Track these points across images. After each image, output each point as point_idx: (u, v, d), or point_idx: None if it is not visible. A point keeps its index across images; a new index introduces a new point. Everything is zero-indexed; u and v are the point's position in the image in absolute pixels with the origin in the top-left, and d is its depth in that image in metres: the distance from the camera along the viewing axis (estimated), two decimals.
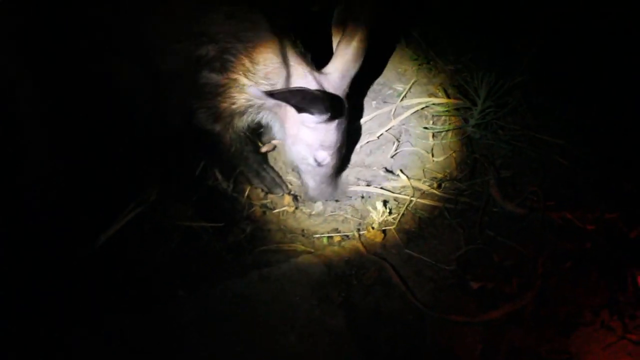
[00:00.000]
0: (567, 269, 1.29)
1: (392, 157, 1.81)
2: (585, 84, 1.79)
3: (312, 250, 1.37)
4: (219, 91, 1.41)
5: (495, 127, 1.78)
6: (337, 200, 1.70)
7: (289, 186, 1.86)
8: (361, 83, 2.01)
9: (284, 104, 1.45)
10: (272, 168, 1.91)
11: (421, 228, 1.43)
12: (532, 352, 1.09)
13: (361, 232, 1.44)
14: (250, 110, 1.54)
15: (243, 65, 1.38)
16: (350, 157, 1.89)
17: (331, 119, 1.46)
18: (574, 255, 1.26)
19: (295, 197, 1.77)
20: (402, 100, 1.96)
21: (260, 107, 1.55)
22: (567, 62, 1.85)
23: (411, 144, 1.72)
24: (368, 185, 1.61)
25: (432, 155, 1.66)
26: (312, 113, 1.42)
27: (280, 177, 1.87)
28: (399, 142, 1.75)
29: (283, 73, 1.46)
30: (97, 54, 1.53)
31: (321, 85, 1.49)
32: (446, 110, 1.89)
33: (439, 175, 1.62)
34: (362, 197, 1.59)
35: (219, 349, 1.12)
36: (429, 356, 1.11)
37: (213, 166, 1.75)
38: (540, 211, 1.36)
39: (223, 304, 1.21)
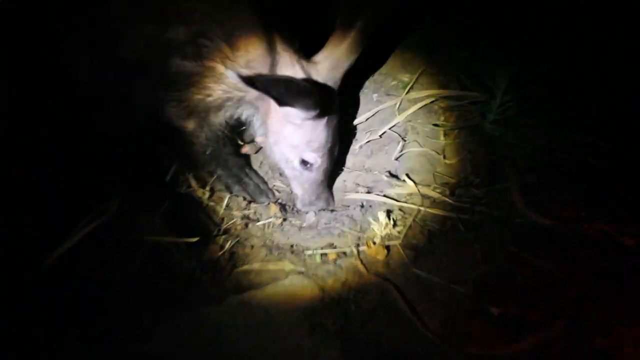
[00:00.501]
0: (604, 291, 1.25)
1: (396, 159, 1.78)
2: (622, 73, 1.77)
3: (303, 270, 1.36)
4: (192, 81, 1.40)
5: (517, 124, 1.76)
6: (332, 211, 1.70)
7: (276, 194, 1.83)
8: (360, 73, 2.00)
9: (266, 96, 1.44)
10: (256, 172, 1.90)
11: (431, 243, 1.41)
12: None
13: (361, 248, 1.43)
14: (228, 103, 1.53)
15: (221, 51, 1.36)
16: (347, 159, 1.87)
17: (320, 115, 1.44)
18: (613, 275, 1.21)
19: (283, 207, 1.74)
20: (408, 92, 1.94)
21: (240, 100, 1.53)
22: (599, 49, 1.83)
23: (419, 143, 1.71)
24: (369, 193, 1.61)
25: (444, 157, 1.65)
26: (297, 107, 1.40)
27: (265, 183, 1.86)
28: (404, 141, 1.73)
29: (267, 61, 1.43)
30: (49, 39, 1.50)
31: (309, 76, 1.47)
32: (460, 105, 1.86)
33: (452, 181, 1.60)
34: (362, 206, 1.58)
35: None
36: None
37: (186, 170, 1.74)
38: (572, 223, 1.32)
39: (196, 336, 1.17)
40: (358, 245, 1.46)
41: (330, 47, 1.49)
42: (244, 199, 1.75)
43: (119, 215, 1.50)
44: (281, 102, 1.37)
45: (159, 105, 1.48)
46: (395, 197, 1.58)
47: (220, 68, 1.38)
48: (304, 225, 1.58)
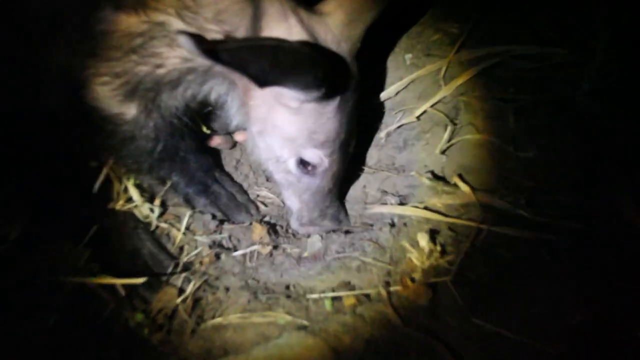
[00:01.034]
0: None
1: (443, 152, 1.71)
2: None
3: (306, 324, 1.34)
4: (133, 45, 1.40)
5: (625, 97, 1.74)
6: (347, 232, 1.62)
7: (261, 208, 1.83)
8: (386, 24, 1.98)
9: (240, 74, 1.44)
10: (230, 178, 1.90)
11: (499, 279, 1.38)
12: None
13: (392, 289, 1.40)
14: (189, 77, 1.53)
15: None
16: (367, 154, 1.85)
17: (328, 94, 1.44)
18: None
19: (272, 228, 1.73)
20: (457, 50, 1.93)
21: (207, 73, 1.54)
22: None
23: (476, 128, 1.70)
24: (402, 204, 1.59)
25: (515, 148, 1.62)
26: (291, 86, 1.39)
27: (244, 192, 1.86)
28: (454, 125, 1.72)
29: (247, 12, 1.43)
30: None
31: (313, 36, 1.46)
32: (537, 67, 1.85)
33: (528, 184, 1.61)
34: (392, 224, 1.56)
35: None
36: None
37: (124, 177, 1.74)
38: None
39: None
40: (388, 284, 1.43)
41: None
42: (213, 217, 1.74)
43: (21, 246, 1.51)
44: (265, 82, 1.34)
45: (82, 82, 1.49)
46: (443, 210, 1.56)
47: (174, 23, 1.37)
48: (305, 255, 1.58)
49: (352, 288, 1.47)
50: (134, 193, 1.66)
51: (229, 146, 1.96)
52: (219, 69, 1.53)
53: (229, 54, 1.17)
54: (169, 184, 1.69)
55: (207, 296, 1.54)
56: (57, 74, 1.55)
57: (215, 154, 1.94)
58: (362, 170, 1.77)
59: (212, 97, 1.59)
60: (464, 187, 1.66)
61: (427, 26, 2.01)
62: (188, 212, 1.66)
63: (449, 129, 1.77)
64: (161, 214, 1.66)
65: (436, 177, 1.67)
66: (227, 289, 1.55)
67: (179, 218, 1.67)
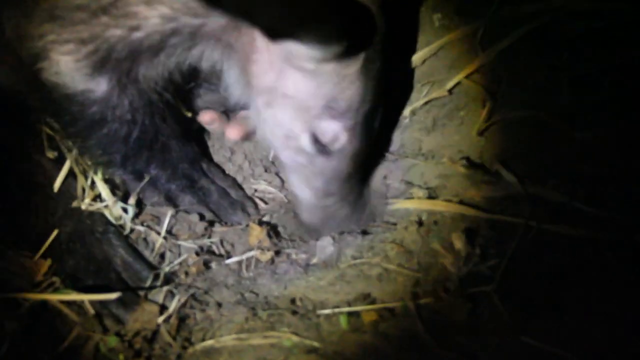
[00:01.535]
0: None
1: (481, 133, 1.76)
2: None
3: (317, 346, 1.34)
4: (102, 4, 1.40)
5: None
6: (365, 233, 1.63)
7: (260, 206, 1.83)
8: None
9: (246, 24, 1.44)
10: (222, 170, 1.90)
11: (554, 289, 1.44)
12: None
13: (422, 301, 1.39)
14: (172, 41, 1.53)
15: None
16: (387, 138, 1.84)
17: (351, 51, 1.44)
18: None
19: (273, 230, 1.73)
20: (498, 8, 1.91)
21: (196, 35, 1.54)
22: None
23: (521, 102, 1.71)
24: (431, 198, 1.59)
25: (571, 127, 1.69)
26: (311, 38, 1.37)
27: (239, 188, 1.86)
28: (494, 100, 1.72)
29: None
30: None
31: None
32: (598, 28, 1.82)
33: (588, 171, 1.63)
34: (420, 223, 1.56)
35: None
36: None
37: (90, 169, 1.72)
38: None
39: None
40: (416, 295, 1.42)
41: None
42: (201, 217, 1.73)
43: None
44: (277, 34, 1.33)
45: (38, 52, 1.49)
46: (482, 204, 1.55)
47: None
48: (315, 261, 1.58)
49: (373, 301, 1.49)
50: (103, 190, 1.64)
51: (241, 134, 1.94)
52: (209, 29, 1.53)
53: None
54: (146, 178, 1.68)
55: (195, 314, 1.53)
56: (4, 44, 1.55)
57: (202, 141, 1.96)
58: (382, 157, 1.77)
59: (204, 65, 1.59)
60: (507, 176, 1.65)
61: None
62: (170, 212, 1.65)
63: (488, 104, 1.79)
64: (137, 215, 1.65)
65: (473, 164, 1.66)
66: (219, 305, 1.54)
67: (158, 219, 1.66)
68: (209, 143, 1.98)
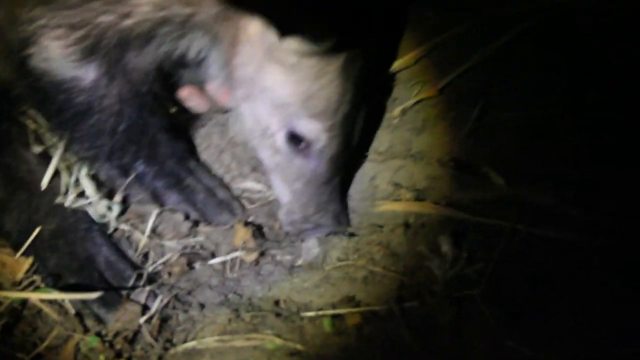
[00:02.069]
0: None
1: (470, 134, 1.74)
2: None
3: (300, 348, 1.36)
4: None
5: None
6: (351, 235, 1.63)
7: (246, 207, 1.83)
8: None
9: (237, 12, 1.45)
10: (209, 170, 1.90)
11: (541, 293, 1.40)
12: None
13: (406, 304, 1.42)
14: (163, 30, 1.54)
15: None
16: (376, 136, 1.84)
17: (332, 48, 1.45)
18: None
19: (259, 231, 1.73)
20: (494, 5, 1.92)
21: (187, 24, 1.55)
22: None
23: (513, 104, 1.73)
24: (419, 200, 1.60)
25: (562, 131, 1.66)
26: (297, 32, 1.39)
27: (225, 187, 1.86)
28: (486, 101, 1.73)
29: None
30: None
31: None
32: (600, 25, 1.83)
33: (577, 175, 1.59)
34: (407, 225, 1.57)
35: None
36: None
37: (75, 165, 1.74)
38: None
39: None
40: (401, 298, 1.43)
41: None
42: (187, 217, 1.70)
43: None
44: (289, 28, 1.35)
45: (27, 37, 1.49)
46: (470, 207, 1.56)
47: None
48: (299, 263, 1.59)
49: (357, 304, 1.48)
50: (87, 187, 1.64)
51: (208, 105, 1.94)
52: (200, 18, 1.54)
53: None
54: (132, 175, 1.66)
55: (177, 315, 1.54)
56: None
57: (190, 139, 1.95)
58: (369, 158, 1.77)
59: (191, 54, 1.60)
60: (496, 178, 1.66)
61: None
62: (155, 211, 1.65)
63: (479, 105, 1.77)
64: (121, 213, 1.65)
65: (462, 166, 1.67)
66: (202, 306, 1.55)
67: (143, 218, 1.66)
68: (197, 142, 1.98)
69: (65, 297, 1.50)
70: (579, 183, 1.62)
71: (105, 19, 1.45)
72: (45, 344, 1.45)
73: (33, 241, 1.59)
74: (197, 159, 1.88)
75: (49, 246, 1.61)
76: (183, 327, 1.51)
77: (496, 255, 1.51)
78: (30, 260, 1.56)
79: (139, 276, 1.60)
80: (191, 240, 1.67)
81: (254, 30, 1.46)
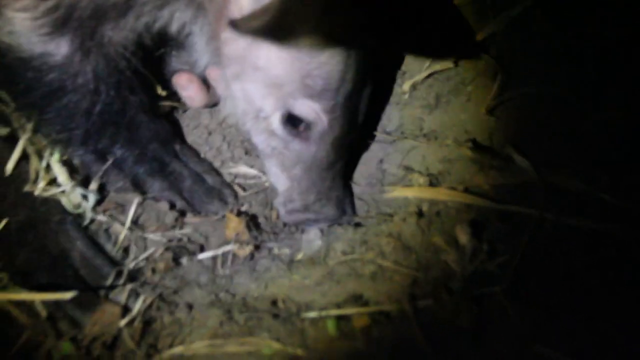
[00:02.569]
0: None
1: (491, 111, 1.75)
2: None
3: (301, 353, 1.34)
4: None
5: None
6: (357, 225, 1.62)
7: (240, 194, 1.82)
8: None
9: None
10: (197, 153, 1.89)
11: (573, 290, 1.37)
12: None
13: (420, 303, 1.40)
14: (143, 1, 1.52)
15: None
16: (384, 114, 1.85)
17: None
18: None
19: (253, 221, 1.71)
20: None
21: None
22: None
23: (538, 76, 1.72)
24: (432, 186, 1.59)
25: (595, 107, 1.68)
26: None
27: (216, 173, 1.84)
28: (507, 73, 1.76)
29: None
30: None
31: None
32: None
33: (613, 156, 1.60)
34: (420, 214, 1.56)
35: None
36: None
37: (45, 150, 1.70)
38: None
39: None
40: (414, 297, 1.41)
41: None
42: (172, 206, 1.69)
43: None
44: None
45: None
46: (491, 193, 1.55)
47: None
48: (300, 257, 1.58)
49: (365, 303, 1.48)
50: (60, 173, 1.62)
51: (207, 100, 1.93)
52: None
53: None
54: (110, 160, 1.66)
55: (162, 317, 1.51)
56: None
57: (175, 119, 1.95)
58: (377, 138, 1.77)
59: (173, 27, 1.60)
60: (520, 160, 1.63)
61: None
62: (136, 200, 1.64)
63: (499, 78, 1.78)
64: (98, 203, 1.63)
65: (481, 147, 1.66)
66: (190, 307, 1.52)
67: (123, 208, 1.64)
68: (183, 122, 1.97)
69: (36, 297, 1.48)
70: (614, 165, 1.61)
71: None
72: (13, 350, 1.44)
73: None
74: (183, 141, 1.89)
75: (17, 240, 1.60)
76: (169, 331, 1.49)
77: (521, 248, 1.50)
78: None
79: (119, 273, 1.58)
80: (177, 233, 1.65)
81: (240, 3, 1.46)
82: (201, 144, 1.95)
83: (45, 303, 1.50)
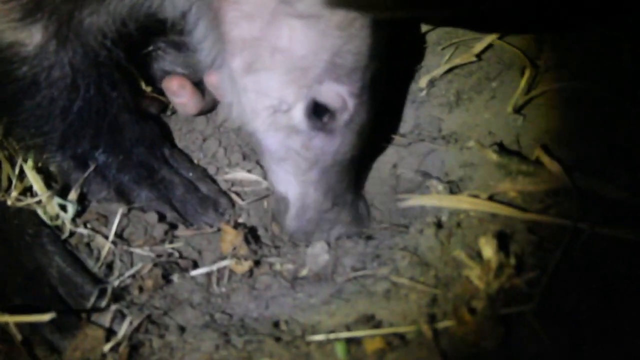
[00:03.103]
0: None
1: (518, 110, 1.75)
2: None
3: None
4: None
5: None
6: (368, 238, 1.62)
7: (238, 203, 1.82)
8: None
9: None
10: (189, 157, 1.90)
11: (611, 308, 1.40)
12: None
13: (440, 325, 1.44)
14: None
15: None
16: (397, 116, 1.85)
17: None
18: None
19: (252, 234, 1.72)
20: None
21: None
22: None
23: (570, 71, 1.74)
24: (453, 193, 1.59)
25: (634, 103, 1.68)
26: None
27: (212, 180, 1.85)
28: (536, 67, 1.73)
29: None
30: None
31: None
32: None
33: None
34: (439, 224, 1.55)
35: None
36: None
37: (19, 155, 1.71)
38: None
39: None
40: (433, 317, 1.46)
41: None
42: (161, 218, 1.73)
43: None
44: None
45: None
46: (519, 201, 1.54)
47: None
48: (305, 273, 1.58)
49: (378, 324, 1.48)
50: (35, 181, 1.62)
51: (201, 106, 1.93)
52: None
53: None
54: (91, 166, 1.66)
55: (151, 340, 1.51)
56: None
57: (164, 121, 1.98)
58: (391, 140, 1.77)
59: (166, 12, 1.62)
60: (551, 165, 1.63)
61: None
62: (121, 210, 1.62)
63: (528, 73, 1.78)
64: (79, 214, 1.62)
65: (508, 150, 1.64)
66: (182, 329, 1.52)
67: (106, 219, 1.63)
68: (175, 126, 1.99)
69: (9, 319, 1.47)
70: None
71: None
72: None
73: None
74: (174, 145, 1.90)
75: None
76: (158, 356, 1.49)
77: (553, 262, 1.49)
78: None
79: (102, 292, 1.58)
80: (167, 247, 1.64)
81: None
82: (194, 150, 1.96)
83: (20, 326, 1.50)
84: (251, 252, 1.65)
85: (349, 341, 1.45)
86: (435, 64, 1.86)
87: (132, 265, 1.64)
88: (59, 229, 1.67)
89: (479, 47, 1.82)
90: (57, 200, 1.68)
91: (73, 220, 1.68)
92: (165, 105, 1.97)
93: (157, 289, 1.60)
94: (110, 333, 1.51)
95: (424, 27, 1.94)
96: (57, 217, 1.67)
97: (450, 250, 1.57)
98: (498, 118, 1.76)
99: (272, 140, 1.64)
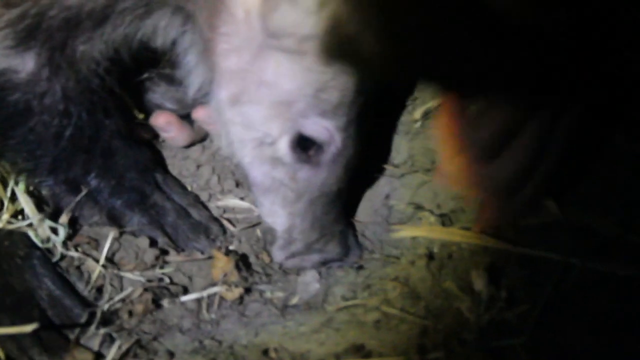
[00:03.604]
0: None
1: None
2: None
3: None
4: None
5: None
6: (359, 267, 1.63)
7: (229, 230, 1.82)
8: None
9: None
10: (180, 183, 1.90)
11: (603, 345, 1.40)
12: None
13: (430, 357, 1.44)
14: (121, 7, 1.51)
15: None
16: (392, 144, 1.85)
17: None
18: None
19: (243, 261, 1.70)
20: None
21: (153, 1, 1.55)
22: None
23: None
24: (444, 225, 1.60)
25: (627, 138, 1.69)
26: None
27: (202, 206, 1.85)
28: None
29: None
30: None
31: None
32: None
33: None
34: (430, 256, 1.57)
35: None
36: None
37: (11, 178, 1.71)
38: None
39: None
40: (424, 348, 1.40)
41: None
42: (152, 242, 1.73)
43: None
44: None
45: None
46: (511, 234, 1.56)
47: None
48: (295, 302, 1.59)
49: (368, 355, 1.47)
50: (26, 203, 1.62)
51: (191, 139, 1.94)
52: None
53: None
54: (84, 191, 1.65)
55: None
56: None
57: (156, 147, 1.98)
58: (384, 171, 1.78)
59: (158, 41, 1.60)
60: (544, 198, 1.63)
61: None
62: (112, 234, 1.63)
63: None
64: (70, 237, 1.62)
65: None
66: (171, 354, 1.51)
67: (97, 243, 1.64)
68: (170, 153, 1.99)
69: None
70: None
71: None
72: None
73: None
74: (166, 171, 1.90)
75: None
76: None
77: (544, 296, 1.50)
78: None
79: (91, 316, 1.57)
80: (158, 272, 1.65)
81: (249, 4, 1.43)
82: (188, 177, 1.96)
83: (5, 345, 1.49)
84: (242, 279, 1.65)
85: None
86: (430, 96, 1.86)
87: (122, 289, 1.63)
88: (50, 251, 1.67)
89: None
90: (48, 223, 1.67)
91: (64, 243, 1.68)
92: (157, 132, 2.00)
93: (146, 314, 1.60)
94: (98, 357, 1.50)
95: None
96: (48, 239, 1.67)
97: (441, 282, 1.57)
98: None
99: (258, 171, 1.65)
